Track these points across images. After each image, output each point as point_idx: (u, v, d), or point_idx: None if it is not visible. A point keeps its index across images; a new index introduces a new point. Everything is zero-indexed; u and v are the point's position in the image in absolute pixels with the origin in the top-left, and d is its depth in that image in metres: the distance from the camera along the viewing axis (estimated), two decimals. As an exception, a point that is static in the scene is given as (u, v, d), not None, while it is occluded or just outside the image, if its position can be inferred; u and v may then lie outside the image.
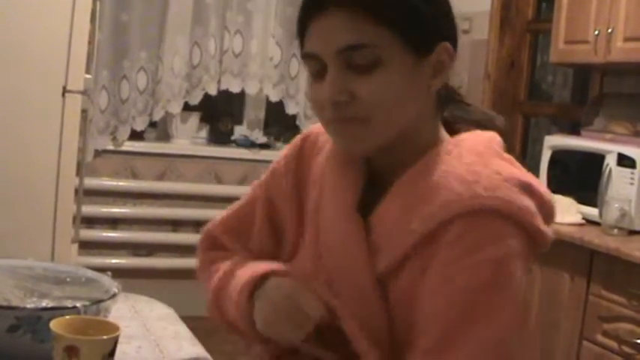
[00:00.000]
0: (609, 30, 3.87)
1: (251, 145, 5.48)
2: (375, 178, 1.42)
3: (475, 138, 1.38)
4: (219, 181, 5.36)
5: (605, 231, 3.59)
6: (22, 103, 3.62)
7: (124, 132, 5.08)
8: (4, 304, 1.59)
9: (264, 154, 5.45)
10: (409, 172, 1.33)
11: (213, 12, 5.14)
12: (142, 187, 5.21)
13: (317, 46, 1.33)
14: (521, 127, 5.08)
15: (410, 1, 1.30)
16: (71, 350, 1.29)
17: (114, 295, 1.66)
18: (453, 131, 1.43)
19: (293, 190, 1.52)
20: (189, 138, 5.44)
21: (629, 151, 3.69)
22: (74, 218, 3.91)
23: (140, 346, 1.85)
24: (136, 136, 5.19)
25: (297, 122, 5.51)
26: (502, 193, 1.25)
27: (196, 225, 5.29)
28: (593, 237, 3.47)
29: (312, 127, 1.57)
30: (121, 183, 5.16)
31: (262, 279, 1.42)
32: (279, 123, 5.72)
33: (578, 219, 3.77)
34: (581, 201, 3.82)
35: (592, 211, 3.75)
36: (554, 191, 2.50)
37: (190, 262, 5.66)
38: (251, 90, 5.37)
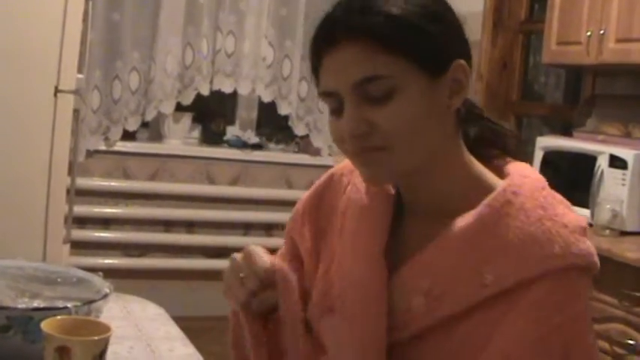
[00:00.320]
0: (601, 31, 3.87)
1: (243, 145, 5.48)
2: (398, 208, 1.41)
3: (529, 183, 1.36)
4: (211, 181, 5.35)
5: (596, 232, 3.59)
6: (14, 102, 3.61)
7: (116, 132, 5.07)
8: (-5, 304, 1.59)
9: (256, 155, 5.45)
10: (469, 221, 1.31)
11: (206, 12, 5.14)
12: (134, 187, 5.20)
13: (332, 82, 1.33)
14: (514, 127, 5.08)
15: (419, 26, 1.29)
16: (62, 351, 1.29)
17: (105, 296, 1.66)
18: (480, 154, 1.41)
19: (312, 242, 1.53)
20: (181, 138, 5.44)
21: (620, 152, 3.70)
22: (66, 218, 3.90)
23: (132, 346, 1.84)
24: (128, 136, 5.18)
25: (290, 123, 5.51)
26: (576, 249, 1.27)
27: (188, 225, 5.29)
28: (584, 238, 3.46)
29: (336, 168, 1.56)
30: (113, 183, 5.16)
31: None
32: (271, 123, 5.73)
33: (570, 220, 3.76)
34: (573, 202, 3.77)
35: (584, 212, 3.76)
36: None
37: (182, 263, 5.67)
38: (243, 90, 5.36)
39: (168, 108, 5.18)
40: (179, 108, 5.27)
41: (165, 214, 5.25)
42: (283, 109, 5.46)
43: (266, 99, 5.43)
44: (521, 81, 5.18)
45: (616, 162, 3.69)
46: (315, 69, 1.37)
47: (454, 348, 1.27)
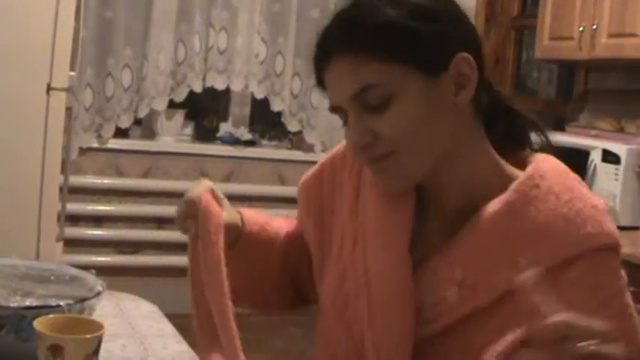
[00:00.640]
0: (594, 26, 3.88)
1: (236, 142, 5.48)
2: (419, 202, 1.41)
3: (554, 167, 1.37)
4: (204, 178, 5.34)
5: (590, 227, 3.59)
6: (6, 100, 3.60)
7: (109, 129, 5.06)
8: (-12, 303, 1.59)
9: (249, 152, 5.45)
10: (498, 208, 1.31)
11: (198, 8, 5.13)
12: (127, 184, 5.20)
13: (334, 96, 1.34)
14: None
15: (410, 28, 1.28)
16: (55, 349, 1.28)
17: (98, 293, 1.66)
18: (503, 147, 1.41)
19: (315, 233, 1.55)
20: (174, 135, 5.43)
21: (613, 147, 3.71)
22: (59, 216, 3.89)
23: (125, 344, 1.84)
24: (120, 133, 5.17)
25: (283, 119, 5.51)
26: (607, 228, 1.31)
27: (182, 222, 5.28)
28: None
29: (338, 149, 1.56)
30: (105, 180, 5.15)
31: None
32: (264, 120, 5.72)
33: (563, 215, 3.77)
34: (567, 197, 3.82)
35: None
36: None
37: (175, 260, 5.66)
38: (236, 87, 5.36)
39: (160, 105, 5.17)
40: (172, 105, 5.26)
41: (158, 211, 5.24)
42: (276, 106, 5.45)
43: (259, 95, 5.42)
44: (514, 76, 5.19)
45: (609, 157, 3.69)
46: (321, 84, 1.38)
47: (489, 337, 1.24)
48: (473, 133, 1.36)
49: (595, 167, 3.70)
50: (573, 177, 1.37)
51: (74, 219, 4.93)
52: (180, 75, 5.17)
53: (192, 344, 1.96)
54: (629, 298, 1.31)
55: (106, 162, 5.15)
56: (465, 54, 1.31)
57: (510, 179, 1.34)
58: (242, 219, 1.58)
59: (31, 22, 3.61)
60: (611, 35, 3.84)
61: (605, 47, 3.88)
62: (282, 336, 4.88)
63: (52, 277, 1.77)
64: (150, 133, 5.41)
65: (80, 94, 4.81)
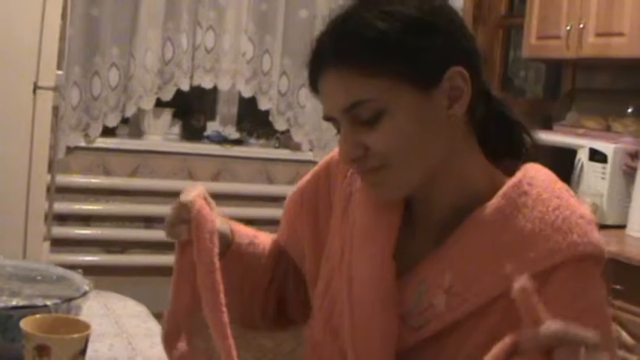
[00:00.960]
0: (581, 25, 3.89)
1: (224, 140, 5.47)
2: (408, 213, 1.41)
3: (542, 175, 1.36)
4: (192, 177, 5.34)
5: (577, 225, 3.60)
6: (-8, 99, 3.59)
7: (96, 128, 5.04)
8: (-26, 302, 1.58)
9: (237, 150, 5.44)
10: (485, 214, 1.31)
11: (185, 7, 5.12)
12: (115, 183, 5.18)
13: (327, 107, 1.34)
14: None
15: (401, 43, 1.27)
16: (42, 349, 1.28)
17: (85, 293, 1.65)
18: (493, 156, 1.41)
19: (310, 235, 1.55)
20: (161, 134, 5.41)
21: (600, 145, 3.72)
22: (46, 215, 3.88)
23: (112, 343, 1.84)
24: (108, 132, 5.15)
25: (270, 118, 5.50)
26: (593, 238, 1.29)
27: (169, 221, 5.26)
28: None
29: (335, 152, 1.55)
30: (93, 180, 5.13)
31: None
32: (251, 119, 5.71)
33: (550, 214, 3.78)
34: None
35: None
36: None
37: (163, 259, 5.64)
38: (223, 86, 5.34)
39: (148, 104, 5.16)
40: (159, 104, 5.24)
41: (146, 211, 5.23)
42: (263, 105, 5.44)
43: (246, 94, 5.41)
44: (501, 75, 5.19)
45: (596, 156, 3.71)
46: (314, 89, 1.37)
47: (476, 344, 1.26)
48: (466, 143, 1.36)
49: (582, 166, 3.71)
50: (561, 186, 1.37)
51: (61, 218, 4.91)
52: (168, 74, 5.16)
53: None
54: (607, 310, 1.32)
55: (93, 161, 5.13)
56: (459, 68, 1.29)
57: (500, 187, 1.34)
58: (231, 230, 1.58)
59: (17, 20, 3.60)
60: (598, 34, 3.85)
61: (592, 46, 3.89)
62: (270, 335, 4.86)
63: (38, 277, 1.76)
64: (137, 132, 5.39)
65: (67, 92, 4.79)
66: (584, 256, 1.27)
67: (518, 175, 1.34)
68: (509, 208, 1.30)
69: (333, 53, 1.30)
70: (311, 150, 5.48)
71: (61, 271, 1.80)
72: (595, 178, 3.69)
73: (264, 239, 1.65)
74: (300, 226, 1.58)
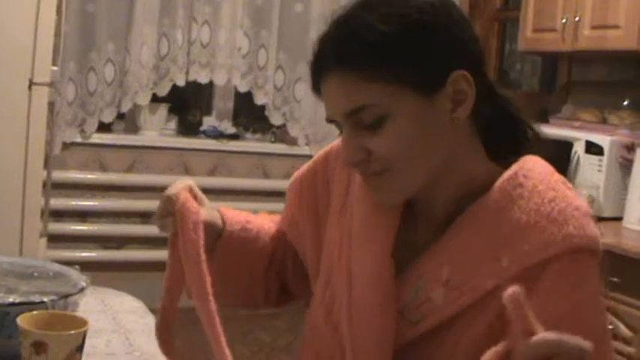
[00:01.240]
0: (576, 18, 3.89)
1: (220, 135, 5.47)
2: (408, 210, 1.40)
3: (539, 167, 1.35)
4: (188, 172, 5.34)
5: (573, 218, 3.60)
6: (-13, 96, 3.58)
7: (92, 124, 5.04)
8: (-29, 299, 1.58)
9: (233, 145, 5.44)
10: (482, 207, 1.30)
11: (181, 2, 5.12)
12: (111, 179, 5.18)
13: (329, 110, 1.33)
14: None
15: (403, 47, 1.25)
16: (39, 346, 1.28)
17: (82, 289, 1.65)
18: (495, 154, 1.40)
19: (311, 226, 1.55)
20: (157, 129, 5.42)
21: (596, 138, 3.72)
22: (42, 212, 3.88)
23: (110, 339, 1.83)
24: (103, 128, 5.15)
25: (266, 113, 5.50)
26: (589, 231, 1.28)
27: (166, 217, 5.26)
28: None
29: (332, 145, 1.55)
30: (89, 175, 5.13)
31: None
32: (248, 113, 5.71)
33: (547, 206, 3.78)
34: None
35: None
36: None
37: (160, 254, 5.63)
38: (219, 81, 5.35)
39: (143, 99, 5.16)
40: (155, 99, 5.25)
41: (142, 206, 5.23)
42: (259, 99, 5.44)
43: (242, 89, 5.41)
44: (497, 68, 5.19)
45: (592, 148, 3.71)
46: (317, 90, 1.36)
47: (475, 338, 1.26)
48: (469, 145, 1.35)
49: (578, 158, 3.71)
50: (558, 178, 1.35)
51: (57, 214, 4.91)
52: (163, 69, 5.16)
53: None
54: (603, 302, 1.31)
55: (89, 157, 5.13)
56: (462, 71, 1.28)
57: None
58: (222, 218, 1.58)
59: (12, 16, 3.59)
60: (593, 27, 3.85)
61: (587, 39, 3.89)
62: (267, 329, 4.88)
63: (35, 274, 1.76)
64: (133, 128, 5.39)
65: (63, 88, 4.80)
66: (579, 249, 1.26)
67: (514, 167, 1.33)
68: (504, 201, 1.29)
69: (335, 57, 1.28)
70: (307, 144, 5.49)
71: (57, 267, 1.79)
72: (591, 171, 3.69)
73: (259, 222, 1.65)
74: (301, 218, 1.58)
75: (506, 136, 1.42)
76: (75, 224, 5.14)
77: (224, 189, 5.18)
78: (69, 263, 1.82)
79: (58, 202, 4.79)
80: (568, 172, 3.72)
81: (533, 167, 1.34)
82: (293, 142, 5.53)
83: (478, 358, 1.07)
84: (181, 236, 1.41)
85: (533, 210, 1.28)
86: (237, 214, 1.62)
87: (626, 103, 4.09)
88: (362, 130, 1.28)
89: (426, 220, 1.39)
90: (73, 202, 5.10)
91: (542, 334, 0.98)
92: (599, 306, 1.29)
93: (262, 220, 1.67)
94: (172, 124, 5.55)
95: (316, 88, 1.35)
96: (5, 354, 1.46)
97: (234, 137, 5.51)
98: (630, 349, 3.17)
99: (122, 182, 5.21)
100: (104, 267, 4.93)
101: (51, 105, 3.83)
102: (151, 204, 5.32)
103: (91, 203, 5.17)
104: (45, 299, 1.53)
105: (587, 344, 0.97)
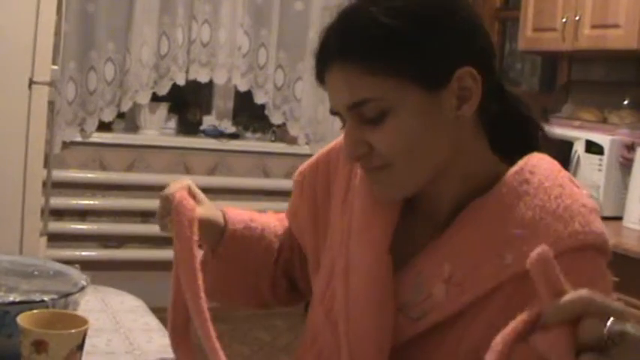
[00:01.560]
0: (577, 17, 3.89)
1: (220, 135, 5.47)
2: (408, 205, 1.39)
3: (545, 163, 1.34)
4: (188, 171, 5.34)
5: (574, 217, 3.60)
6: (-13, 95, 3.58)
7: (92, 123, 5.04)
8: (-29, 298, 1.58)
9: (233, 144, 5.44)
10: (486, 203, 1.29)
11: (181, 1, 5.11)
12: (111, 178, 5.18)
13: (332, 102, 1.32)
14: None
15: (407, 41, 1.23)
16: (40, 345, 1.28)
17: (82, 288, 1.65)
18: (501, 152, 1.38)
19: (311, 221, 1.55)
20: (157, 129, 5.42)
21: (597, 137, 3.72)
22: (42, 211, 3.88)
23: (110, 338, 1.83)
24: (104, 127, 5.15)
25: (266, 112, 5.50)
26: (595, 227, 1.27)
27: (166, 216, 5.26)
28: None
29: (337, 142, 1.54)
30: (89, 174, 5.13)
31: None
32: (248, 113, 5.71)
33: (547, 206, 3.78)
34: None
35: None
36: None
37: (160, 253, 5.63)
38: (219, 80, 5.34)
39: (144, 98, 5.16)
40: (155, 98, 5.25)
41: (142, 205, 5.23)
42: (259, 98, 5.44)
43: (242, 88, 5.41)
44: (497, 68, 5.19)
45: (592, 147, 3.71)
46: (322, 81, 1.34)
47: (477, 335, 1.24)
48: (474, 143, 1.33)
49: (579, 158, 3.71)
50: (565, 174, 1.34)
51: (58, 213, 4.92)
52: (163, 68, 5.16)
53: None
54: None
55: (89, 156, 5.13)
56: (469, 68, 1.26)
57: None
58: (225, 217, 1.58)
59: (12, 16, 3.59)
60: (594, 26, 3.85)
61: (588, 38, 3.89)
62: (267, 328, 4.88)
63: (35, 272, 1.76)
64: (133, 127, 5.39)
65: (63, 88, 4.80)
66: (585, 246, 1.24)
67: (520, 163, 1.32)
68: (509, 197, 1.28)
69: (338, 49, 1.27)
70: (307, 143, 5.49)
71: (58, 266, 1.79)
72: (592, 170, 3.69)
73: (264, 220, 1.65)
74: (301, 211, 1.57)
75: (514, 134, 1.40)
76: (75, 223, 5.14)
77: (224, 188, 5.18)
78: (69, 262, 1.82)
79: (58, 201, 4.79)
80: (568, 171, 3.72)
81: (539, 164, 1.32)
82: (293, 141, 5.53)
83: (479, 356, 1.06)
84: (176, 234, 1.42)
85: (538, 206, 1.26)
86: (240, 213, 1.62)
87: (626, 102, 4.09)
88: (364, 124, 1.27)
89: (426, 216, 1.37)
90: (73, 201, 5.10)
91: (575, 292, 0.94)
92: None
93: (267, 218, 1.67)
94: (172, 124, 5.55)
95: (320, 78, 1.34)
96: (5, 353, 1.46)
97: (234, 136, 5.51)
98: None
99: (122, 181, 5.21)
100: (104, 266, 4.94)
101: (51, 104, 3.83)
102: (151, 203, 5.32)
103: (91, 202, 5.17)
104: (45, 298, 1.53)
105: (619, 305, 0.93)
